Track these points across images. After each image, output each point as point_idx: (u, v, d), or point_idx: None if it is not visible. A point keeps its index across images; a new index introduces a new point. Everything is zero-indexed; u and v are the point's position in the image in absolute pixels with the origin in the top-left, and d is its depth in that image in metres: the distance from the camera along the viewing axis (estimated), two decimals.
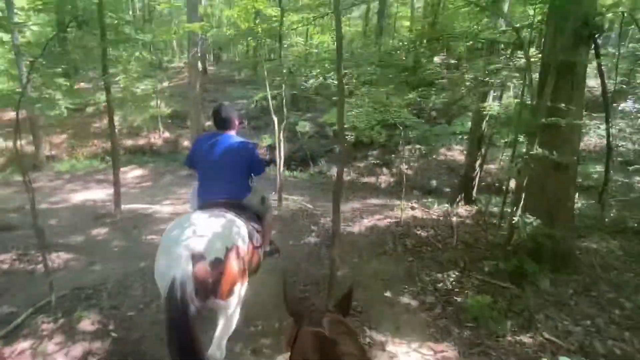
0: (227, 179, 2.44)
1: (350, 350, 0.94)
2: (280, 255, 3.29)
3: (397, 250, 4.40)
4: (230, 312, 2.07)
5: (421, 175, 10.91)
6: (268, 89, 7.51)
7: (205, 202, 2.38)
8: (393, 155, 11.91)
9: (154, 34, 13.77)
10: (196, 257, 1.81)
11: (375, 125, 8.12)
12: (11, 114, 14.28)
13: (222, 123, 2.57)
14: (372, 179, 10.96)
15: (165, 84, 16.97)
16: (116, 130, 13.05)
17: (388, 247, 4.52)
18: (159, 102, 14.29)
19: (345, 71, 7.55)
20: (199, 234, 1.92)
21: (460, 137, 11.48)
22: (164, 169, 11.06)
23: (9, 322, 2.66)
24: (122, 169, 10.93)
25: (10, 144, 12.29)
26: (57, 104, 12.05)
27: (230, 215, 2.21)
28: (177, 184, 9.76)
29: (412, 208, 6.38)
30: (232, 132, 2.63)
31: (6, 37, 9.99)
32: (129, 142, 13.06)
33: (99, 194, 9.00)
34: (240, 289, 2.09)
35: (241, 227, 2.21)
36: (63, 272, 3.92)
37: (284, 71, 6.83)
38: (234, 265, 1.98)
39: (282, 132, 6.51)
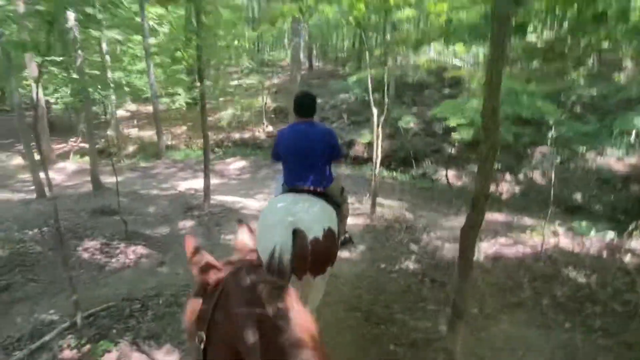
0: (312, 167, 2.41)
1: (301, 338, 0.63)
2: (354, 245, 3.21)
3: (541, 304, 2.95)
4: (317, 291, 2.12)
5: (559, 187, 8.54)
6: (369, 75, 6.46)
7: (292, 189, 2.39)
8: (520, 160, 9.71)
9: (260, 29, 13.94)
10: (297, 233, 1.89)
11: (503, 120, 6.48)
12: (141, 108, 16.31)
13: (303, 111, 2.47)
14: (491, 188, 9.02)
15: (275, 80, 17.38)
16: (225, 124, 13.75)
17: (524, 295, 3.10)
18: (265, 97, 14.56)
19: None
20: (300, 213, 2.00)
21: (618, 139, 8.65)
22: (262, 162, 11.01)
23: (42, 336, 2.27)
24: (227, 160, 11.32)
25: (141, 133, 13.90)
26: (178, 98, 13.16)
27: (322, 201, 2.26)
28: (272, 178, 9.50)
29: (555, 233, 4.64)
30: (313, 120, 2.54)
31: (139, 38, 11.12)
32: (236, 135, 13.53)
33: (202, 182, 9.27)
34: (329, 270, 2.14)
35: (332, 213, 2.25)
36: (129, 271, 3.63)
37: (390, 49, 5.68)
38: (329, 246, 2.04)
39: (380, 126, 5.41)
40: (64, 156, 12.05)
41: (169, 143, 13.22)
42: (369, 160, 11.31)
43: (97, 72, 11.78)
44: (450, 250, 4.45)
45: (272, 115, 14.15)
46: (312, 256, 1.92)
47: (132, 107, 17.53)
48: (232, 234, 4.80)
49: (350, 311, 2.66)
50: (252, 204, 6.55)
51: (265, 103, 13.92)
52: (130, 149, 12.86)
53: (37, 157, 11.73)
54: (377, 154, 5.37)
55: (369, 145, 11.77)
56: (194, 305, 0.83)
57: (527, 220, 5.69)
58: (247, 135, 13.48)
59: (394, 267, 3.74)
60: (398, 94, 13.58)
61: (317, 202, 2.20)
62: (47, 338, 2.24)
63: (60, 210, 5.99)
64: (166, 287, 3.09)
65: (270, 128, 13.63)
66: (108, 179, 9.98)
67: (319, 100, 14.21)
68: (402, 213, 5.99)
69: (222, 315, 0.75)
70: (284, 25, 12.35)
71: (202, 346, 0.77)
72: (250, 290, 0.73)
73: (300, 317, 0.70)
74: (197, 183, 9.27)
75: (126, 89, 15.51)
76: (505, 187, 9.11)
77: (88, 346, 2.15)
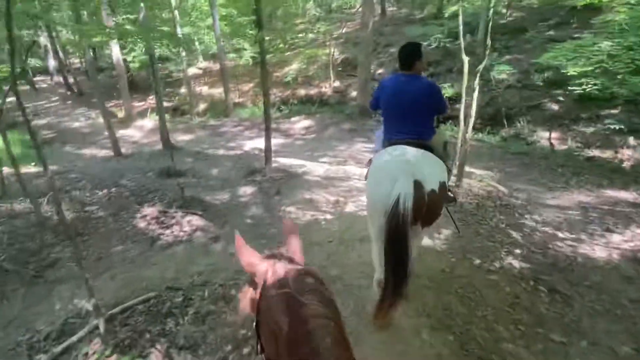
0: (417, 120, 2.35)
1: (320, 311, 0.79)
2: (455, 203, 3.24)
3: None
4: (419, 240, 2.27)
5: None
6: (461, 16, 5.20)
7: (398, 141, 2.30)
8: None
9: None
10: (417, 184, 1.92)
11: (627, 71, 4.86)
12: (212, 65, 16.25)
13: (408, 62, 2.36)
14: (608, 154, 7.23)
15: (344, 29, 15.97)
16: (291, 80, 13.08)
17: None
18: (332, 49, 13.43)
19: None
20: (418, 165, 2.02)
21: None
22: (329, 121, 10.27)
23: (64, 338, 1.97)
24: (292, 119, 10.79)
25: (211, 91, 13.90)
26: (244, 54, 12.69)
27: (433, 154, 2.24)
28: (338, 138, 8.78)
29: None
30: (418, 73, 2.41)
31: None
32: (302, 92, 12.85)
33: None
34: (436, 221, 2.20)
35: (444, 167, 2.27)
36: (181, 247, 3.32)
37: None
38: (441, 199, 2.10)
39: (478, 77, 4.25)
40: (144, 114, 12.59)
41: (237, 100, 13.06)
42: (452, 117, 9.92)
43: (166, 28, 11.79)
44: (567, 242, 3.40)
45: (340, 69, 13.07)
46: (426, 208, 1.95)
47: (204, 64, 17.66)
48: (292, 204, 4.28)
49: (438, 331, 1.96)
50: (315, 168, 5.95)
51: (333, 54, 12.83)
52: (201, 106, 12.98)
53: (118, 115, 12.47)
54: (472, 112, 4.28)
55: (453, 100, 10.28)
56: (247, 293, 1.00)
57: None
58: (313, 91, 12.71)
59: (492, 265, 2.87)
60: (491, 38, 11.47)
61: (430, 155, 2.20)
62: (74, 339, 1.95)
63: (131, 169, 6.12)
64: (216, 274, 2.69)
65: (337, 83, 12.65)
66: (180, 137, 10.20)
67: (391, 50, 12.55)
68: (494, 186, 4.90)
69: (264, 300, 0.89)
70: None
71: (254, 327, 0.94)
72: (282, 277, 0.87)
73: (322, 294, 0.84)
74: (262, 142, 8.96)
75: (197, 45, 15.57)
76: (627, 153, 7.22)
77: (113, 358, 1.80)
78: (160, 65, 13.14)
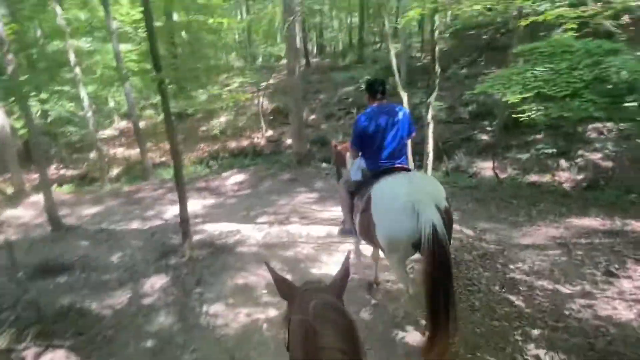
0: (399, 146, 2.43)
1: (332, 344, 0.78)
2: None
3: None
4: None
5: (634, 169, 6.69)
6: (392, 53, 4.74)
7: (388, 167, 2.38)
8: (571, 142, 7.83)
9: (249, 26, 12.20)
10: (437, 209, 1.96)
11: (566, 94, 4.72)
12: (130, 125, 14.61)
13: (382, 93, 2.50)
14: (546, 177, 7.18)
15: (270, 80, 15.64)
16: (218, 132, 12.03)
17: None
18: (262, 99, 12.83)
19: None
20: (426, 188, 2.11)
21: None
22: (265, 172, 9.25)
23: None
24: (222, 175, 9.57)
25: (127, 152, 12.20)
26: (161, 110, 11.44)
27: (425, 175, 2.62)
28: (277, 191, 7.75)
29: None
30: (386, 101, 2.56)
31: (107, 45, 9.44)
32: (233, 144, 11.81)
33: (195, 205, 7.55)
34: None
35: (438, 182, 2.39)
36: None
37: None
38: (451, 212, 2.17)
39: (429, 111, 3.63)
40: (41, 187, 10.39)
41: (159, 160, 11.55)
42: None
43: (66, 88, 10.20)
44: (578, 301, 2.64)
45: (271, 118, 12.40)
46: (447, 220, 2.02)
47: (122, 124, 15.88)
48: (218, 299, 3.03)
49: None
50: (252, 233, 4.79)
51: (262, 104, 12.18)
52: (115, 171, 11.20)
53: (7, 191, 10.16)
54: (429, 148, 3.59)
55: None
56: (284, 317, 1.04)
57: (634, 224, 3.89)
58: (245, 142, 11.76)
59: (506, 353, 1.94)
60: (409, 80, 11.79)
61: (426, 176, 2.53)
62: None
63: None
64: None
65: (270, 132, 11.89)
66: (85, 211, 8.34)
67: (321, 96, 12.27)
68: (460, 231, 4.18)
69: (291, 325, 0.93)
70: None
71: (285, 344, 0.98)
72: (305, 303, 0.88)
73: (340, 327, 0.83)
74: (189, 206, 7.56)
75: (110, 104, 13.93)
76: (563, 175, 7.24)
77: None
78: (62, 129, 11.27)
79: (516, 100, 4.88)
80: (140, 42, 11.50)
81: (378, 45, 18.49)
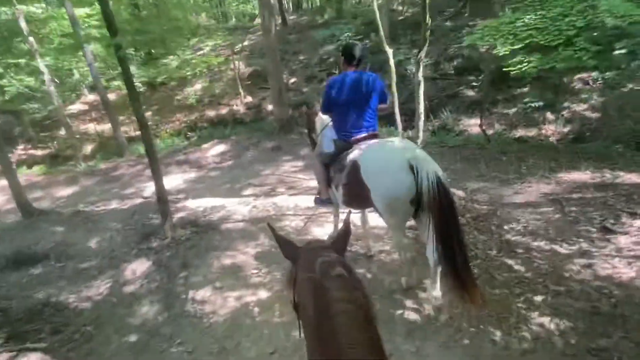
0: (372, 114, 2.45)
1: (341, 296, 0.81)
2: None
3: None
4: None
5: (620, 119, 6.62)
6: (375, 5, 4.36)
7: (359, 137, 2.38)
8: (557, 94, 7.67)
9: None
10: (429, 161, 2.05)
11: (558, 43, 4.51)
12: (92, 98, 13.65)
13: (358, 60, 2.43)
14: (533, 132, 7.08)
15: (245, 42, 14.68)
16: (194, 102, 11.38)
17: None
18: (237, 63, 12.07)
19: None
20: (411, 147, 2.17)
21: None
22: (247, 142, 8.88)
23: None
24: (203, 146, 9.14)
25: (100, 127, 11.50)
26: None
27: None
28: (261, 160, 7.47)
29: None
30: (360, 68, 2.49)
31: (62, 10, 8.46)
32: (211, 113, 11.23)
33: (176, 179, 7.25)
34: None
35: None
36: None
37: None
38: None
39: (419, 68, 3.34)
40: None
41: (134, 134, 10.93)
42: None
43: (22, 61, 9.29)
44: (577, 261, 2.56)
45: (249, 82, 11.76)
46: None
47: (91, 97, 14.87)
48: (206, 284, 2.84)
49: None
50: (237, 208, 4.57)
51: (238, 69, 11.48)
52: (89, 148, 10.58)
53: None
54: (420, 109, 3.35)
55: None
56: (289, 276, 1.05)
57: (621, 174, 3.85)
58: (224, 111, 11.19)
59: (522, 337, 1.85)
60: (392, 35, 11.22)
61: (406, 141, 2.37)
62: None
63: None
64: None
65: (249, 98, 11.32)
66: (60, 192, 7.91)
67: (301, 57, 11.66)
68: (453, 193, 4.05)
69: (298, 284, 0.96)
70: None
71: (293, 308, 1.01)
72: (310, 261, 0.91)
73: (347, 280, 0.86)
74: (170, 181, 7.23)
75: (75, 76, 12.91)
76: (550, 129, 7.15)
77: None
78: (24, 106, 10.41)
79: (507, 52, 4.61)
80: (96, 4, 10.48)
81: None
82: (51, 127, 12.16)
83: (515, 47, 4.51)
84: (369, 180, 2.13)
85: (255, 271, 2.88)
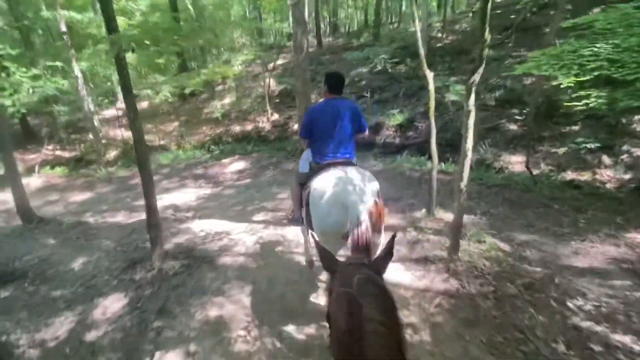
0: (348, 140, 2.52)
1: (374, 316, 0.81)
2: None
3: None
4: (380, 243, 2.23)
5: None
6: (418, 28, 3.87)
7: (333, 161, 2.45)
8: (615, 135, 6.76)
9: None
10: (364, 203, 2.03)
11: (628, 75, 3.77)
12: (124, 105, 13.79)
13: (336, 87, 2.54)
14: (584, 176, 6.19)
15: (279, 61, 14.61)
16: (220, 115, 11.19)
17: None
18: (268, 80, 11.88)
19: None
20: (357, 184, 2.15)
21: None
22: (267, 161, 8.46)
23: None
24: (223, 161, 8.81)
25: (128, 134, 11.47)
26: (161, 89, 10.62)
27: (362, 169, 2.42)
28: (279, 182, 6.96)
29: None
30: (340, 97, 2.58)
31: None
32: (236, 128, 10.98)
33: (189, 195, 6.86)
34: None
35: (373, 177, 2.36)
36: None
37: None
38: (382, 206, 2.22)
39: (471, 93, 2.74)
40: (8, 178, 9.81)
41: (159, 143, 10.84)
42: (403, 148, 8.60)
43: (59, 64, 9.44)
44: None
45: (277, 100, 11.49)
46: (375, 217, 2.08)
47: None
48: (178, 344, 2.25)
49: None
50: (242, 237, 4.02)
51: (269, 85, 11.25)
52: (112, 154, 10.53)
53: None
54: (467, 145, 2.72)
55: (404, 127, 9.03)
56: (327, 284, 1.05)
57: None
58: (249, 126, 10.92)
59: None
60: (429, 62, 10.62)
61: (361, 171, 2.34)
62: None
63: None
64: None
65: (275, 116, 11.00)
66: (74, 197, 7.71)
67: None
68: (498, 247, 3.32)
69: (333, 296, 0.96)
70: None
71: (327, 318, 1.00)
72: (348, 277, 0.92)
73: (382, 301, 0.86)
74: (183, 196, 6.86)
75: (112, 82, 13.16)
76: (606, 174, 6.23)
77: None
78: (55, 107, 10.58)
79: (571, 85, 3.90)
80: (141, 14, 10.65)
81: (395, 24, 17.19)
82: (82, 131, 12.33)
83: (581, 78, 3.80)
84: (311, 208, 2.26)
85: (242, 333, 2.27)
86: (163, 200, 6.56)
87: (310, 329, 2.31)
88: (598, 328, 2.24)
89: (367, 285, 0.87)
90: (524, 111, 8.20)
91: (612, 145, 6.62)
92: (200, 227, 4.56)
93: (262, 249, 3.62)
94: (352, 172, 2.26)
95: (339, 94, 2.53)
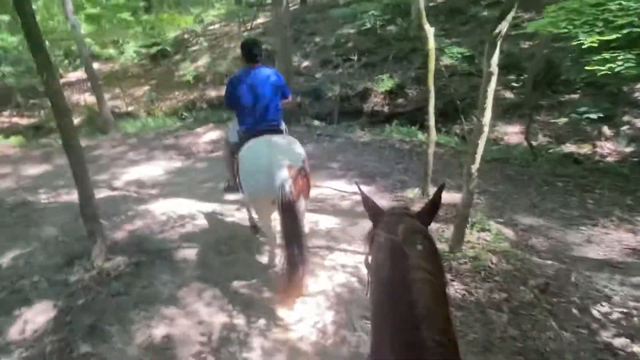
0: (271, 109, 2.54)
1: (421, 264, 0.78)
2: None
3: None
4: (305, 210, 2.46)
5: None
6: None
7: (259, 129, 2.47)
8: (617, 105, 6.29)
9: None
10: (290, 169, 2.17)
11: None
12: (103, 67, 12.52)
13: (253, 57, 2.53)
14: (584, 148, 5.78)
15: (260, 20, 13.34)
16: (191, 79, 10.17)
17: None
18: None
19: None
20: (284, 151, 2.27)
21: None
22: None
23: None
24: (197, 130, 7.99)
25: (95, 99, 10.40)
26: (125, 49, 9.48)
27: (289, 136, 2.60)
28: None
29: None
30: (261, 65, 2.58)
31: None
32: (212, 93, 10.03)
33: (157, 169, 6.16)
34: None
35: (299, 145, 2.50)
36: None
37: None
38: (308, 171, 2.38)
39: (494, 52, 2.10)
40: None
41: (127, 109, 9.85)
42: (392, 117, 7.96)
43: (5, 17, 8.17)
44: None
45: None
46: (301, 182, 2.24)
47: (94, 65, 13.77)
48: None
49: None
50: (211, 220, 3.44)
51: None
52: (76, 121, 9.51)
53: None
54: (486, 115, 2.17)
55: (391, 94, 8.34)
56: (369, 233, 1.03)
57: None
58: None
59: None
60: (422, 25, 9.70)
61: (288, 138, 2.50)
62: None
63: None
64: None
65: None
66: (27, 171, 6.88)
67: (317, 39, 10.30)
68: (496, 230, 2.86)
69: (375, 242, 0.95)
70: None
71: (366, 264, 1.01)
72: (393, 225, 0.89)
73: (429, 251, 0.82)
74: (150, 169, 6.14)
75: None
76: (607, 146, 5.83)
77: None
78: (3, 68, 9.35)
79: (594, 44, 3.31)
80: None
81: None
82: (42, 95, 11.12)
83: (606, 37, 3.20)
84: (241, 175, 2.33)
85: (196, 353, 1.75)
86: (128, 175, 5.87)
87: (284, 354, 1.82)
88: (631, 347, 1.82)
89: (412, 234, 0.84)
90: (522, 77, 7.62)
91: (613, 115, 6.18)
92: (163, 208, 3.95)
93: (230, 239, 3.07)
94: (277, 139, 2.35)
95: (255, 62, 2.52)
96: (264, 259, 2.75)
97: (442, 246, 2.61)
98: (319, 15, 12.59)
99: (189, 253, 2.83)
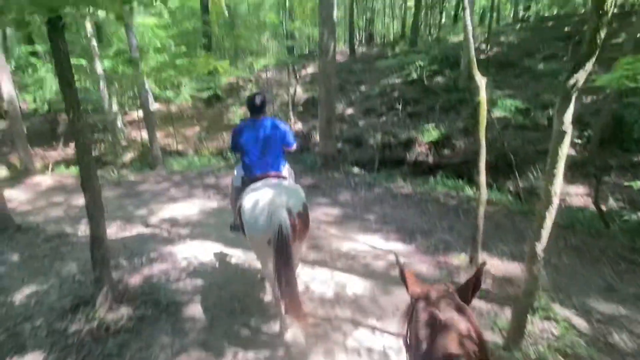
0: (271, 156, 2.64)
1: (462, 332, 0.79)
2: None
3: None
4: (300, 252, 2.62)
5: None
6: (468, 22, 2.93)
7: (261, 175, 2.57)
8: None
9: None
10: (288, 212, 2.23)
11: None
12: (162, 107, 13.58)
13: (258, 109, 2.65)
14: None
15: (309, 70, 13.96)
16: (239, 121, 10.58)
17: None
18: (294, 87, 11.21)
19: None
20: (283, 193, 2.34)
21: None
22: None
23: None
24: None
25: (145, 137, 11.13)
26: (181, 90, 10.19)
27: (291, 182, 2.74)
28: None
29: None
30: (266, 116, 2.72)
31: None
32: None
33: (193, 207, 6.16)
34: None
35: (301, 190, 2.56)
36: None
37: None
38: (308, 216, 2.45)
39: (571, 100, 1.73)
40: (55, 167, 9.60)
41: (177, 148, 10.38)
42: (436, 168, 7.52)
43: (83, 62, 9.23)
44: None
45: (302, 110, 10.76)
46: (299, 226, 2.30)
47: (155, 105, 15.03)
48: None
49: None
50: (234, 270, 3.17)
51: (295, 93, 10.56)
52: (129, 156, 10.17)
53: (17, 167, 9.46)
54: (557, 176, 1.78)
55: (437, 145, 7.96)
56: (407, 308, 1.02)
57: None
58: None
59: None
60: (472, 74, 9.47)
61: (289, 184, 2.59)
62: None
63: None
64: None
65: (299, 125, 10.26)
66: (76, 201, 7.25)
67: (362, 87, 10.43)
68: (563, 316, 2.25)
69: (414, 316, 0.93)
70: None
71: (405, 331, 0.98)
72: (435, 302, 0.89)
73: (469, 328, 0.81)
74: (187, 207, 6.17)
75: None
76: None
77: None
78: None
79: None
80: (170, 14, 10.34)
81: (434, 36, 16.11)
82: (105, 131, 12.18)
83: None
84: (241, 216, 2.37)
85: None
86: (165, 212, 5.91)
87: None
88: None
89: (453, 311, 0.84)
90: (585, 134, 6.92)
91: None
92: (186, 252, 3.79)
93: (246, 296, 2.76)
94: (279, 185, 2.43)
95: (259, 115, 2.62)
96: (275, 326, 2.39)
97: (494, 337, 2.08)
98: (366, 65, 12.89)
99: (199, 311, 2.56)
